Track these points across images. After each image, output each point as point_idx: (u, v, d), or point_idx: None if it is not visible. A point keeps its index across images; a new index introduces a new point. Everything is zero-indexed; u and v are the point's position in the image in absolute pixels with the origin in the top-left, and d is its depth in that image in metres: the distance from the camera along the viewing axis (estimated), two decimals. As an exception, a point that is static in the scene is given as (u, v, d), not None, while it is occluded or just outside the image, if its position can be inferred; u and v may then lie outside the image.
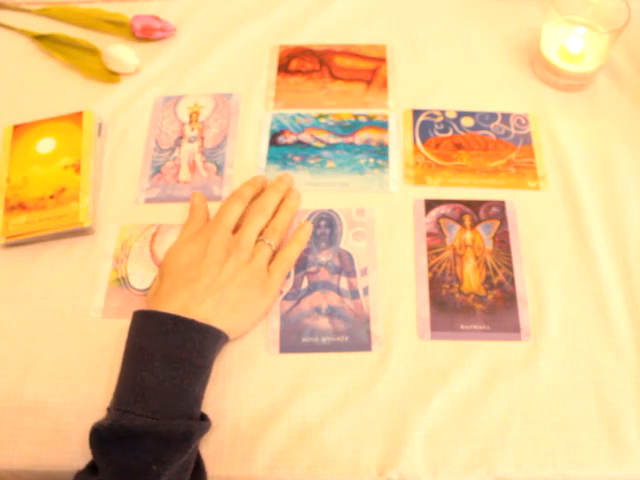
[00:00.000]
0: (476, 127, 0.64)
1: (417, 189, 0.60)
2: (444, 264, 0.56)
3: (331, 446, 0.48)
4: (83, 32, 0.72)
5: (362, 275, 0.55)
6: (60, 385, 0.51)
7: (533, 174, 0.61)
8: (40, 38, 0.71)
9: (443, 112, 0.65)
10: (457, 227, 0.58)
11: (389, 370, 0.51)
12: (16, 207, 0.58)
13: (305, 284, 0.55)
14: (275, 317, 0.54)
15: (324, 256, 0.56)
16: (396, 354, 0.52)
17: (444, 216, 0.58)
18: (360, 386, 0.50)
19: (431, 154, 0.62)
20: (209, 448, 0.48)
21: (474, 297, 0.54)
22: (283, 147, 0.63)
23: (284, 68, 0.69)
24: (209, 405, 0.49)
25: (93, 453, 0.44)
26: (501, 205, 0.59)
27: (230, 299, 0.50)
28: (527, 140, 0.63)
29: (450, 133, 0.64)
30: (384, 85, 0.67)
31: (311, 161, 0.62)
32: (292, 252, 0.55)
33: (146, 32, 0.70)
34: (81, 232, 0.58)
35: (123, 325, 0.53)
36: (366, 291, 0.55)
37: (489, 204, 0.59)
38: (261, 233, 0.54)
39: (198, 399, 0.47)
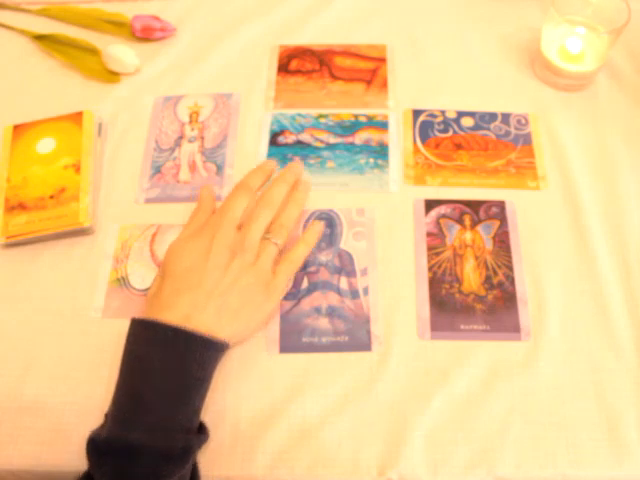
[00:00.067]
0: (476, 127, 0.64)
1: (417, 189, 0.60)
2: (444, 264, 0.56)
3: (331, 446, 0.48)
4: (83, 32, 0.72)
5: (362, 275, 0.55)
6: (60, 385, 0.51)
7: (533, 174, 0.61)
8: (40, 38, 0.71)
9: (443, 112, 0.65)
10: (457, 227, 0.58)
11: (389, 370, 0.51)
12: (16, 207, 0.58)
13: (305, 284, 0.55)
14: (275, 317, 0.54)
15: (324, 256, 0.56)
16: (396, 354, 0.52)
17: (444, 216, 0.58)
18: (360, 386, 0.50)
19: (431, 154, 0.62)
20: (209, 448, 0.48)
21: (474, 297, 0.54)
22: (283, 147, 0.63)
23: (284, 68, 0.69)
24: (209, 405, 0.49)
25: (89, 463, 0.43)
26: (501, 205, 0.59)
27: (233, 305, 0.48)
28: (527, 140, 0.63)
29: (450, 133, 0.64)
30: (384, 85, 0.67)
31: (311, 161, 0.62)
32: (299, 254, 0.53)
33: (146, 32, 0.70)
34: (81, 232, 0.58)
35: (123, 325, 0.53)
36: (366, 291, 0.55)
37: (489, 204, 0.59)
38: (267, 229, 0.52)
39: (197, 410, 0.46)
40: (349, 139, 0.63)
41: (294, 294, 0.54)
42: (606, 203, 0.59)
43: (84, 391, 0.51)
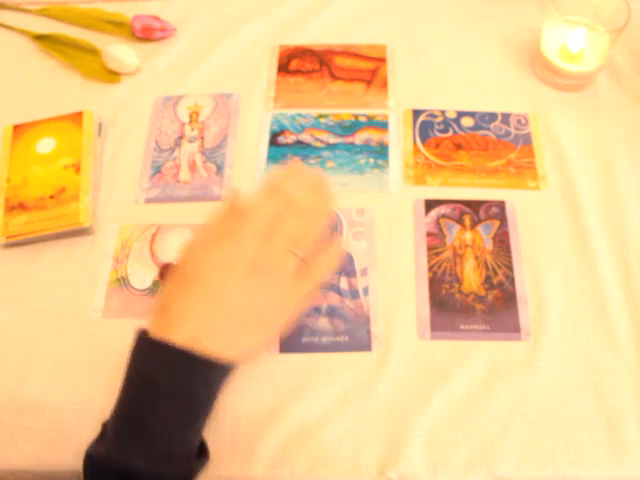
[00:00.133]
0: (476, 127, 0.64)
1: (417, 189, 0.60)
2: (444, 264, 0.56)
3: (331, 446, 0.48)
4: (83, 32, 0.72)
5: (362, 275, 0.55)
6: (60, 385, 0.51)
7: (533, 174, 0.61)
8: (40, 38, 0.71)
9: (443, 112, 0.65)
10: (457, 227, 0.58)
11: (389, 370, 0.51)
12: (16, 207, 0.58)
13: (305, 284, 0.55)
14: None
15: (324, 256, 0.56)
16: (396, 354, 0.52)
17: (444, 216, 0.58)
18: (360, 386, 0.50)
19: (431, 154, 0.62)
20: (209, 448, 0.48)
21: (474, 297, 0.54)
22: (283, 147, 0.63)
23: (284, 68, 0.69)
24: (209, 405, 0.49)
25: (85, 478, 0.42)
26: (501, 205, 0.59)
27: (248, 326, 0.44)
28: (527, 140, 0.63)
29: (450, 133, 0.64)
30: (384, 85, 0.67)
31: (311, 161, 0.62)
32: (322, 273, 0.48)
33: (146, 32, 0.70)
34: (81, 232, 0.58)
35: (123, 325, 0.53)
36: (366, 291, 0.55)
37: (489, 204, 0.59)
38: (293, 240, 0.47)
39: (200, 430, 0.44)
40: (349, 139, 0.63)
41: (294, 294, 0.54)
42: (606, 203, 0.59)
43: (84, 391, 0.51)
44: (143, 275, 0.56)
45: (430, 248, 0.57)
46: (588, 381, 0.50)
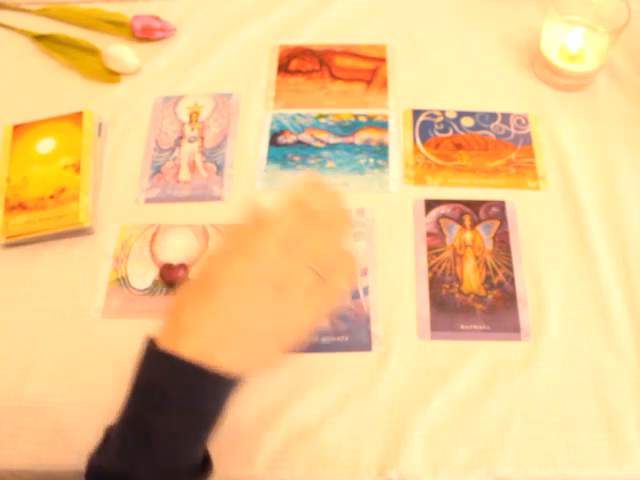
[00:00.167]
0: (476, 127, 0.64)
1: (417, 189, 0.60)
2: (444, 264, 0.56)
3: (331, 446, 0.48)
4: (83, 32, 0.72)
5: (362, 275, 0.55)
6: (60, 385, 0.51)
7: (533, 174, 0.61)
8: (40, 38, 0.71)
9: (443, 112, 0.65)
10: (457, 227, 0.58)
11: (389, 370, 0.51)
12: (16, 207, 0.58)
13: (305, 284, 0.55)
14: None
15: (324, 256, 0.56)
16: (396, 354, 0.52)
17: (444, 216, 0.58)
18: (360, 386, 0.50)
19: (431, 154, 0.62)
20: (209, 448, 0.48)
21: (474, 297, 0.54)
22: (283, 147, 0.63)
23: (284, 68, 0.69)
24: (209, 405, 0.49)
25: None
26: (501, 205, 0.59)
27: (261, 341, 0.43)
28: (527, 140, 0.63)
29: (450, 133, 0.64)
30: (384, 85, 0.67)
31: (311, 161, 0.62)
32: (338, 291, 0.46)
33: (146, 32, 0.70)
34: (81, 232, 0.58)
35: (123, 325, 0.54)
36: (366, 291, 0.54)
37: (489, 204, 0.59)
38: (313, 257, 0.45)
39: (205, 443, 0.43)
40: (349, 139, 0.63)
41: (294, 294, 0.54)
42: (606, 203, 0.59)
43: (84, 391, 0.51)
44: (143, 275, 0.56)
45: (430, 248, 0.57)
46: (588, 381, 0.50)
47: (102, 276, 0.56)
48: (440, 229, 0.58)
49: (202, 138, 0.64)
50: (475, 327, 0.53)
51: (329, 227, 0.46)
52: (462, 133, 0.64)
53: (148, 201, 0.60)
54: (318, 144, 0.63)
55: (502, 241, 0.57)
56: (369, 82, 0.67)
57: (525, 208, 0.59)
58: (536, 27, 0.68)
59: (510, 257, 0.56)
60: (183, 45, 0.71)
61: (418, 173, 0.61)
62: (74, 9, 0.73)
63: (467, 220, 0.58)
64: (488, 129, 0.64)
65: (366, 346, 0.52)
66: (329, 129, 0.64)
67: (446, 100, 0.66)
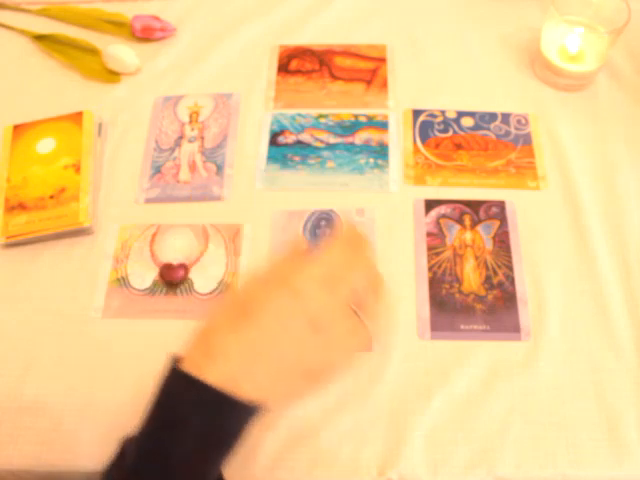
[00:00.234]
0: (476, 127, 0.64)
1: (417, 189, 0.60)
2: (444, 264, 0.56)
3: (331, 446, 0.48)
4: (83, 32, 0.72)
5: (362, 275, 0.55)
6: (60, 385, 0.51)
7: (533, 174, 0.61)
8: (40, 38, 0.71)
9: (443, 112, 0.65)
10: (457, 227, 0.58)
11: (389, 370, 0.51)
12: (16, 207, 0.58)
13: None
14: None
15: (324, 256, 0.56)
16: (396, 354, 0.52)
17: (444, 216, 0.58)
18: (360, 386, 0.50)
19: (431, 154, 0.62)
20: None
21: (474, 297, 0.54)
22: (283, 147, 0.63)
23: (284, 68, 0.69)
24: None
25: None
26: (501, 205, 0.59)
27: (291, 377, 0.42)
28: (527, 140, 0.63)
29: (450, 133, 0.64)
30: (384, 85, 0.67)
31: (311, 161, 0.62)
32: (375, 334, 0.47)
33: (146, 32, 0.70)
34: (81, 232, 0.58)
35: (123, 325, 0.54)
36: (366, 291, 0.54)
37: (489, 204, 0.59)
38: (354, 295, 0.45)
39: (222, 465, 0.43)
40: (349, 139, 0.63)
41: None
42: (606, 203, 0.59)
43: (84, 391, 0.51)
44: (143, 275, 0.56)
45: (430, 248, 0.57)
46: (588, 381, 0.50)
47: (102, 276, 0.56)
48: (440, 229, 0.58)
49: (202, 138, 0.64)
50: (475, 327, 0.53)
51: (369, 270, 0.46)
52: (462, 133, 0.64)
53: (148, 201, 0.60)
54: (318, 144, 0.63)
55: (502, 241, 0.57)
56: (369, 82, 0.67)
57: (525, 208, 0.59)
58: (536, 27, 0.68)
59: (510, 257, 0.56)
60: (183, 45, 0.71)
61: (418, 173, 0.61)
62: (74, 9, 0.73)
63: (467, 220, 0.58)
64: (488, 129, 0.64)
65: (366, 346, 0.52)
66: (329, 129, 0.64)
67: (446, 100, 0.66)
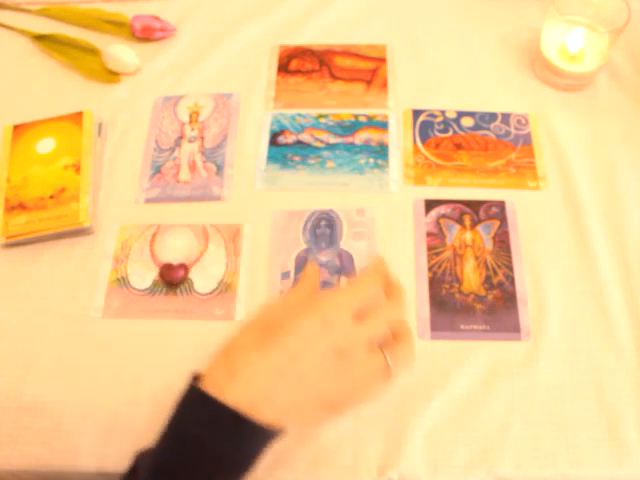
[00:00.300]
0: (476, 127, 0.64)
1: (417, 189, 0.60)
2: (444, 264, 0.56)
3: (331, 446, 0.48)
4: (83, 32, 0.72)
5: (362, 275, 0.55)
6: (60, 385, 0.51)
7: (533, 174, 0.61)
8: (40, 38, 0.71)
9: (443, 112, 0.65)
10: (457, 227, 0.58)
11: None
12: (16, 207, 0.58)
13: (305, 284, 0.55)
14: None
15: (324, 256, 0.56)
16: (396, 354, 0.52)
17: (444, 216, 0.58)
18: (360, 386, 0.50)
19: (431, 154, 0.62)
20: None
21: (474, 297, 0.54)
22: (283, 147, 0.63)
23: (284, 68, 0.69)
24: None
25: None
26: (501, 205, 0.59)
27: (311, 404, 0.42)
28: (527, 140, 0.63)
29: (450, 133, 0.64)
30: (384, 85, 0.67)
31: (311, 161, 0.62)
32: (397, 372, 0.45)
33: (146, 32, 0.70)
34: (81, 232, 0.58)
35: (123, 325, 0.54)
36: (366, 291, 0.54)
37: (489, 204, 0.59)
38: (381, 329, 0.45)
39: None
40: (349, 139, 0.63)
41: (294, 294, 0.54)
42: (606, 203, 0.59)
43: (84, 391, 0.51)
44: (143, 275, 0.56)
45: (430, 248, 0.57)
46: (588, 381, 0.50)
47: (102, 276, 0.56)
48: (440, 229, 0.58)
49: (202, 138, 0.64)
50: (475, 327, 0.53)
51: (397, 312, 0.46)
52: (462, 133, 0.64)
53: (148, 201, 0.60)
54: (318, 144, 0.63)
55: (502, 241, 0.57)
56: (369, 82, 0.67)
57: (525, 208, 0.59)
58: (536, 27, 0.68)
59: (510, 257, 0.56)
60: (183, 45, 0.71)
61: (418, 173, 0.61)
62: (74, 9, 0.73)
63: (467, 220, 0.58)
64: (488, 129, 0.64)
65: (366, 346, 0.52)
66: (329, 129, 0.64)
67: (446, 100, 0.66)
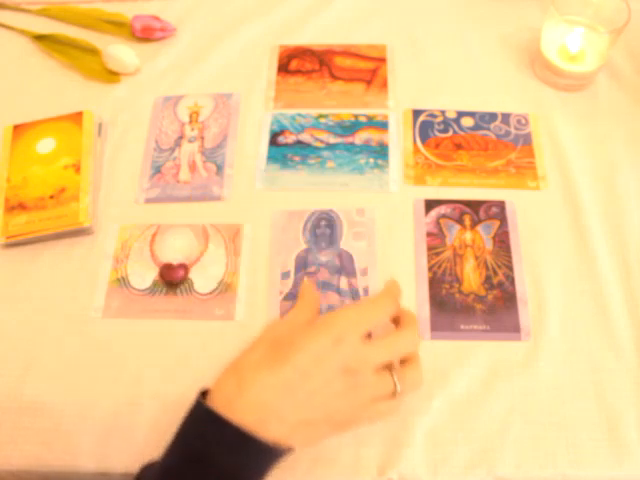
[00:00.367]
0: (476, 127, 0.64)
1: (417, 189, 0.60)
2: (444, 264, 0.56)
3: (331, 446, 0.48)
4: (83, 32, 0.72)
5: (362, 275, 0.55)
6: (60, 385, 0.51)
7: (533, 174, 0.61)
8: (40, 38, 0.71)
9: (443, 112, 0.65)
10: (457, 227, 0.58)
11: (389, 370, 0.51)
12: (16, 207, 0.58)
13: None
14: (275, 317, 0.54)
15: (324, 256, 0.56)
16: (396, 354, 0.52)
17: (444, 216, 0.58)
18: (360, 386, 0.50)
19: (431, 154, 0.62)
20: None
21: (474, 297, 0.54)
22: (283, 147, 0.63)
23: (284, 68, 0.69)
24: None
25: None
26: (501, 205, 0.59)
27: (317, 421, 0.42)
28: (527, 140, 0.63)
29: (450, 133, 0.64)
30: (384, 85, 0.67)
31: (311, 161, 0.62)
32: (405, 396, 0.45)
33: (146, 32, 0.70)
34: (81, 232, 0.58)
35: (123, 325, 0.54)
36: (366, 291, 0.54)
37: (489, 204, 0.59)
38: (392, 354, 0.45)
39: None
40: (349, 139, 0.63)
41: (294, 294, 0.54)
42: (606, 203, 0.59)
43: (84, 391, 0.51)
44: (143, 275, 0.56)
45: (430, 248, 0.57)
46: (588, 381, 0.50)
47: (102, 276, 0.56)
48: (440, 229, 0.58)
49: (202, 138, 0.64)
50: (475, 327, 0.53)
51: (415, 331, 0.46)
52: (462, 133, 0.64)
53: (148, 201, 0.60)
54: (318, 144, 0.63)
55: (502, 241, 0.57)
56: (369, 82, 0.67)
57: (525, 208, 0.59)
58: (536, 27, 0.68)
59: (510, 257, 0.56)
60: (183, 45, 0.71)
61: (418, 173, 0.61)
62: (74, 9, 0.73)
63: (467, 220, 0.58)
64: (488, 129, 0.64)
65: (366, 346, 0.52)
66: (329, 129, 0.64)
67: (446, 100, 0.66)
